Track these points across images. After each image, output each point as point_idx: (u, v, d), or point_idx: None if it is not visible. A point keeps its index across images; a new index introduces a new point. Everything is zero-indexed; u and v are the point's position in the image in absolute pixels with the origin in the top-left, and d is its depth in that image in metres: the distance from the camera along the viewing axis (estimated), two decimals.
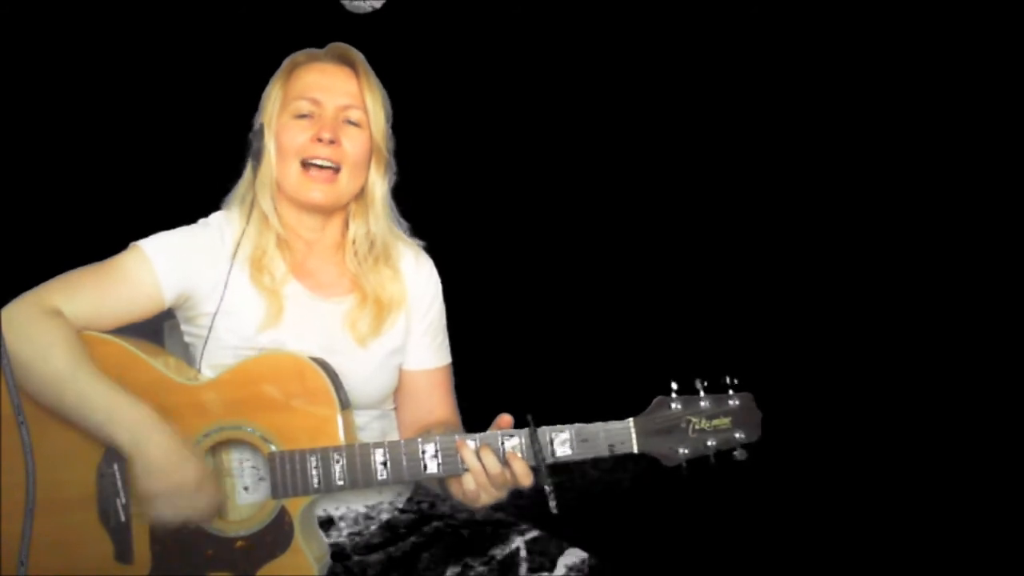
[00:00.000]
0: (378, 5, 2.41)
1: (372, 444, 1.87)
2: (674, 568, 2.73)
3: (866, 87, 3.08)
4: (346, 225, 2.09)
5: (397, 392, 2.12)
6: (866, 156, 3.09)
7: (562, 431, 1.83)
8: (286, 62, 2.08)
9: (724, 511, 2.82)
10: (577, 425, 1.83)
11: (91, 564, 1.87)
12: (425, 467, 1.86)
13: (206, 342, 1.98)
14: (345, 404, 1.91)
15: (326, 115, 2.01)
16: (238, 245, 2.01)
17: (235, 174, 2.09)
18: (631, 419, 1.83)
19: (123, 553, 1.87)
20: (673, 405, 1.83)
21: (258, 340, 1.97)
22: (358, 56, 2.07)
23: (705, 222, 3.11)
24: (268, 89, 2.07)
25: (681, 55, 3.09)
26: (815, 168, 3.09)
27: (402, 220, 2.14)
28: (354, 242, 2.07)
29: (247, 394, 1.89)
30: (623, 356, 2.98)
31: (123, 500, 1.87)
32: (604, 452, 1.83)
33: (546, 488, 1.78)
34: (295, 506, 1.87)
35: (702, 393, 1.83)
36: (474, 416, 2.07)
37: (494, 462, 1.82)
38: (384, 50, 2.16)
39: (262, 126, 2.03)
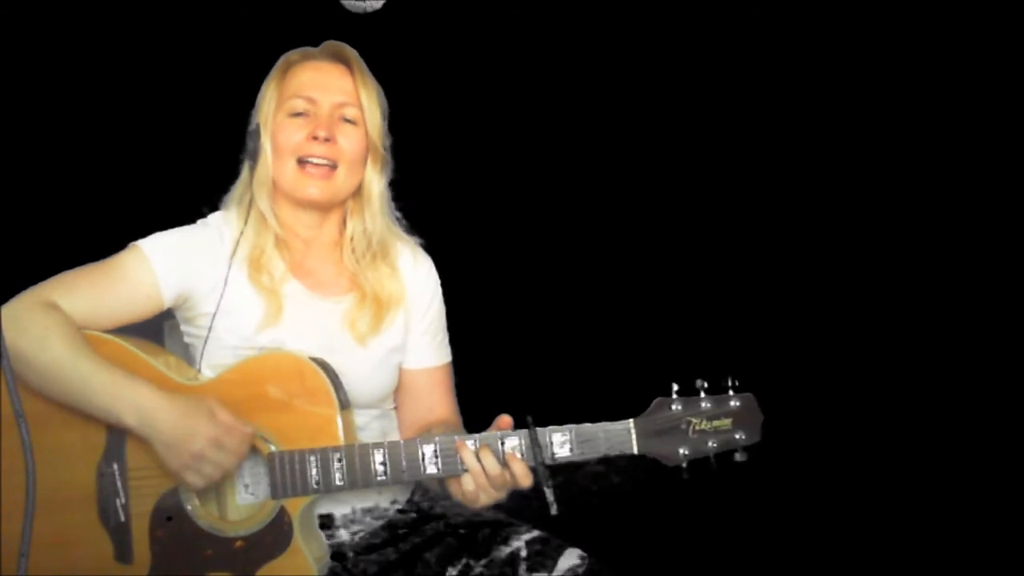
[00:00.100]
0: (378, 5, 2.40)
1: (372, 445, 1.87)
2: (674, 569, 2.73)
3: (866, 87, 3.08)
4: (344, 223, 2.09)
5: (397, 391, 2.12)
6: (866, 157, 3.09)
7: (562, 432, 1.82)
8: (281, 61, 2.08)
9: (724, 512, 2.82)
10: (577, 426, 1.83)
11: (91, 564, 1.87)
12: (424, 468, 1.85)
13: (206, 342, 1.98)
14: (345, 404, 1.91)
15: (322, 113, 2.01)
16: (237, 245, 2.01)
17: (234, 174, 2.09)
18: (631, 420, 1.83)
19: (123, 553, 1.87)
20: (673, 406, 1.83)
21: (257, 339, 1.97)
22: (353, 54, 2.07)
23: (706, 222, 3.11)
24: (263, 88, 2.07)
25: (681, 55, 3.09)
26: (816, 169, 3.09)
27: (401, 218, 2.13)
28: (352, 240, 2.07)
29: (247, 394, 1.89)
30: (623, 357, 2.98)
31: (123, 500, 1.87)
32: (604, 453, 1.83)
33: (546, 489, 1.78)
34: (294, 506, 1.87)
35: (703, 394, 1.83)
36: (474, 416, 2.07)
37: (493, 463, 1.82)
38: (384, 50, 2.16)
39: (258, 126, 2.03)
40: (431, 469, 1.85)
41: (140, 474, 1.88)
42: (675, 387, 1.84)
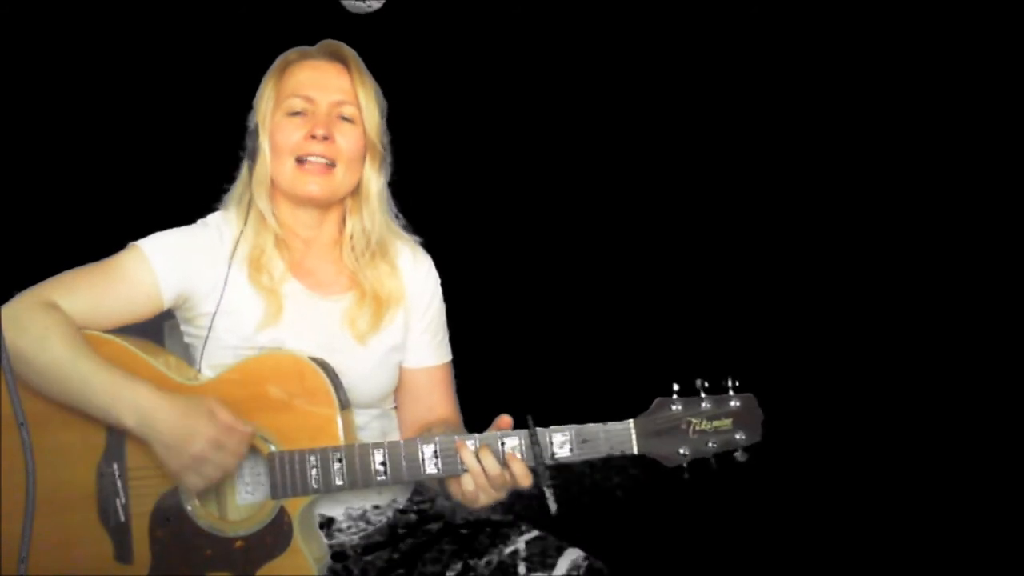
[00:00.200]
0: (378, 5, 2.40)
1: (371, 445, 1.87)
2: (674, 569, 2.73)
3: (866, 87, 3.08)
4: (343, 222, 2.10)
5: (398, 391, 2.12)
6: (866, 157, 3.08)
7: (562, 432, 1.82)
8: (278, 60, 2.08)
9: (725, 512, 2.82)
10: (577, 426, 1.83)
11: (91, 564, 1.87)
12: (424, 468, 1.85)
13: (206, 342, 1.98)
14: (345, 404, 1.91)
15: (319, 112, 2.01)
16: (236, 245, 2.01)
17: (234, 174, 2.09)
18: (631, 420, 1.83)
19: (123, 553, 1.87)
20: (674, 406, 1.83)
21: (257, 339, 1.97)
22: (350, 52, 2.07)
23: (706, 222, 3.11)
24: (261, 88, 2.07)
25: (681, 55, 3.09)
26: (816, 169, 3.09)
27: (399, 216, 2.13)
28: (351, 238, 2.08)
29: (247, 394, 1.89)
30: (624, 357, 2.98)
31: (123, 500, 1.87)
32: (604, 453, 1.83)
33: (546, 489, 1.78)
34: (294, 506, 1.87)
35: (703, 394, 1.83)
36: (474, 416, 2.07)
37: (493, 463, 1.82)
38: (384, 50, 2.16)
39: (257, 126, 2.04)
40: (431, 469, 1.85)
41: (140, 474, 1.88)
42: (675, 387, 1.84)
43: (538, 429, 1.82)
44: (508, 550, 1.94)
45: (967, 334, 3.02)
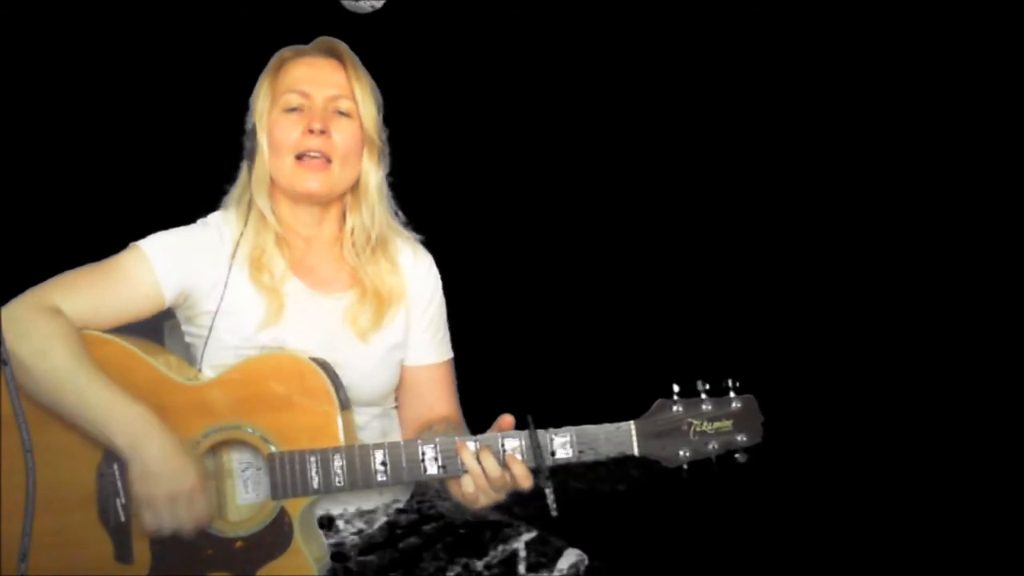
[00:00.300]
0: (378, 5, 2.40)
1: (372, 445, 1.87)
2: (674, 570, 2.73)
3: (866, 87, 3.08)
4: (343, 219, 2.10)
5: (399, 388, 2.12)
6: (866, 157, 3.09)
7: (563, 433, 1.82)
8: (273, 59, 2.08)
9: (725, 514, 2.82)
10: (578, 427, 1.82)
11: (91, 564, 1.86)
12: (425, 469, 1.85)
13: (206, 342, 1.98)
14: (345, 404, 1.91)
15: (316, 107, 2.01)
16: (237, 245, 2.01)
17: (233, 174, 2.09)
18: (632, 421, 1.83)
19: (123, 553, 1.87)
20: (674, 407, 1.82)
21: (259, 339, 1.97)
22: (345, 48, 2.08)
23: (707, 223, 3.11)
24: (257, 87, 2.07)
25: (681, 54, 3.09)
26: (816, 169, 3.09)
27: (399, 213, 2.13)
28: (352, 233, 2.08)
29: (247, 394, 1.89)
30: (624, 358, 2.98)
31: (123, 500, 1.86)
32: (605, 454, 1.83)
33: (546, 491, 1.78)
34: (295, 507, 1.87)
35: (704, 395, 1.82)
36: (474, 417, 2.07)
37: (494, 465, 1.82)
38: (384, 50, 2.16)
39: (254, 125, 2.04)
40: (431, 470, 1.85)
41: None
42: (676, 388, 1.84)
43: (538, 431, 1.82)
44: (508, 550, 1.94)
45: (967, 335, 3.02)
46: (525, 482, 1.83)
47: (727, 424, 1.82)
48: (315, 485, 1.86)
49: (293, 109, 2.02)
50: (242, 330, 1.98)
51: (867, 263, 3.07)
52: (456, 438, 1.85)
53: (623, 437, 1.82)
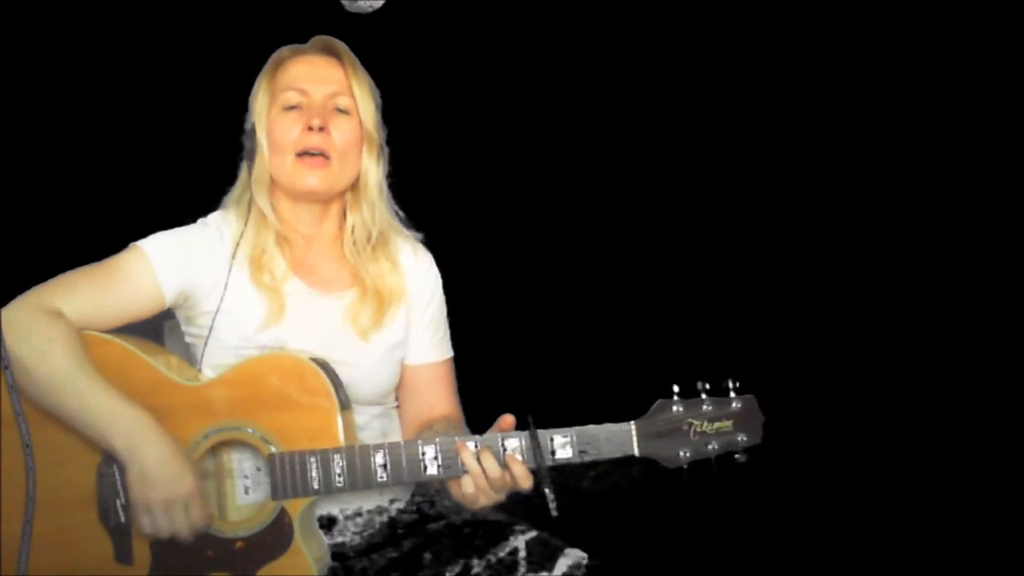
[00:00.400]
0: (378, 5, 2.40)
1: (372, 446, 1.86)
2: (675, 570, 2.73)
3: (866, 87, 3.08)
4: (343, 218, 2.10)
5: (399, 387, 2.12)
6: (867, 158, 3.09)
7: (563, 433, 1.82)
8: (271, 59, 2.09)
9: (725, 514, 2.82)
10: (578, 428, 1.82)
11: (91, 564, 1.86)
12: (425, 469, 1.85)
13: (206, 342, 1.98)
14: (345, 405, 1.90)
15: (315, 104, 2.01)
16: (237, 245, 2.01)
17: (233, 175, 2.09)
18: (632, 422, 1.82)
19: (123, 553, 1.87)
20: (675, 408, 1.82)
21: (259, 339, 1.97)
22: (342, 46, 2.08)
23: (708, 223, 3.11)
24: (255, 87, 2.07)
25: (681, 54, 3.09)
26: (817, 170, 3.09)
27: (399, 211, 2.13)
28: (352, 231, 2.07)
29: (247, 395, 1.89)
30: (625, 358, 2.98)
31: (123, 500, 1.86)
32: (605, 455, 1.83)
33: (546, 491, 1.78)
34: (295, 507, 1.86)
35: (704, 396, 1.82)
36: (475, 417, 2.07)
37: (494, 465, 1.82)
38: (384, 50, 2.16)
39: (253, 125, 2.04)
40: (432, 471, 1.85)
41: None
42: (676, 388, 1.83)
43: (539, 431, 1.82)
44: (508, 550, 1.94)
45: (968, 336, 3.02)
46: (525, 482, 1.82)
47: (727, 424, 1.82)
48: (315, 486, 1.85)
49: (292, 107, 2.02)
50: (242, 330, 1.97)
51: (867, 264, 3.08)
52: (456, 438, 1.84)
53: (623, 437, 1.82)
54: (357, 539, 2.01)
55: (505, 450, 1.83)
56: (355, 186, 2.07)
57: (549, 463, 1.81)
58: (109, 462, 1.87)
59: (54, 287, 1.92)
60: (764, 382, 1.85)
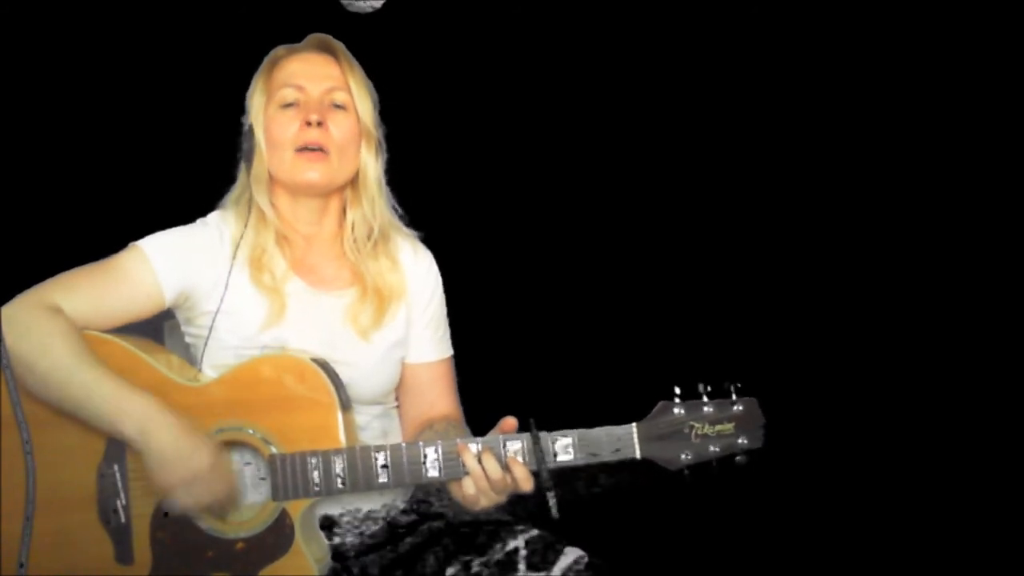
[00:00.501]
0: (378, 5, 2.40)
1: (373, 447, 1.87)
2: (675, 572, 2.73)
3: (866, 87, 3.08)
4: (343, 215, 2.10)
5: (399, 386, 2.13)
6: (867, 158, 3.09)
7: (564, 436, 1.82)
8: (267, 57, 2.09)
9: (726, 516, 2.82)
10: (580, 430, 1.82)
11: (91, 565, 1.87)
12: (426, 471, 1.85)
13: (207, 342, 1.98)
14: (346, 405, 1.91)
15: (312, 100, 2.02)
16: (237, 245, 2.01)
17: (233, 174, 2.09)
18: (634, 424, 1.83)
19: (123, 554, 1.87)
20: (676, 410, 1.82)
21: (260, 339, 1.97)
22: (338, 43, 2.09)
23: (709, 224, 3.11)
24: (252, 86, 2.08)
25: (681, 54, 3.09)
26: (817, 171, 3.09)
27: (398, 208, 2.13)
28: (352, 228, 2.08)
29: (248, 395, 1.89)
30: (626, 360, 2.98)
31: (123, 501, 1.87)
32: (607, 457, 1.83)
33: (547, 493, 1.78)
34: (296, 508, 1.87)
35: (705, 398, 1.82)
36: (476, 418, 2.07)
37: (495, 467, 1.82)
38: (384, 50, 2.16)
39: (251, 125, 2.04)
40: (433, 472, 1.85)
41: (140, 475, 1.87)
42: (677, 391, 1.84)
43: (540, 433, 1.82)
44: (508, 550, 1.94)
45: (968, 338, 3.02)
46: (526, 484, 1.83)
47: (729, 427, 1.82)
48: (316, 487, 1.86)
49: (289, 104, 2.02)
50: (243, 330, 1.98)
51: (868, 266, 3.07)
52: (458, 440, 1.85)
53: (625, 440, 1.82)
54: (357, 539, 2.01)
55: (507, 452, 1.83)
56: (354, 182, 2.08)
57: (551, 465, 1.81)
58: (110, 462, 1.87)
59: (54, 286, 1.92)
60: (766, 384, 1.85)
